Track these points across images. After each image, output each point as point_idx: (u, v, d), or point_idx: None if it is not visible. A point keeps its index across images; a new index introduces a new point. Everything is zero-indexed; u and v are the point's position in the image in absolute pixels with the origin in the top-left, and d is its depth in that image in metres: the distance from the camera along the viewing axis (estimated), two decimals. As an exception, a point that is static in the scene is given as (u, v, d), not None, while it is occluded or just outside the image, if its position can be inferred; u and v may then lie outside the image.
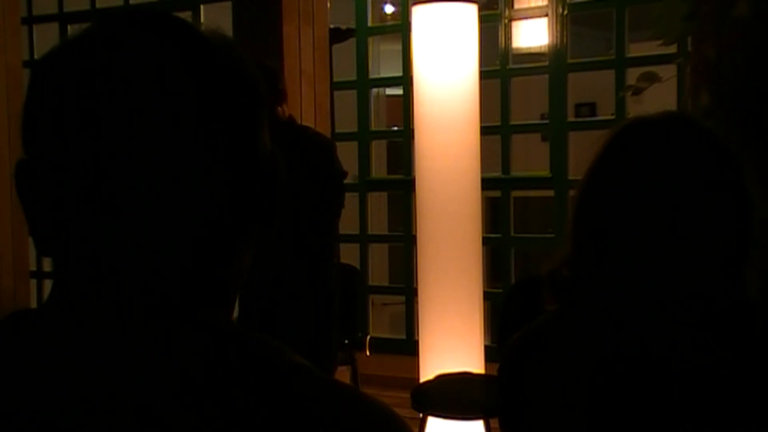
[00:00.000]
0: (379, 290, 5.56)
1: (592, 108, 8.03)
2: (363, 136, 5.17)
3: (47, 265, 5.27)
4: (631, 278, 1.06)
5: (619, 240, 1.06)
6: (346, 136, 5.04)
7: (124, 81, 0.60)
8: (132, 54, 0.61)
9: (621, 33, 4.50)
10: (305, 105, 4.17)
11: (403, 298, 5.13)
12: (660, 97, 2.62)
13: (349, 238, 4.96)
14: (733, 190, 1.05)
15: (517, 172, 4.98)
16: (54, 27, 5.50)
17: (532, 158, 6.33)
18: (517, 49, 5.35)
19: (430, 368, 3.25)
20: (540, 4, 4.83)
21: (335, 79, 4.69)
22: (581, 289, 1.12)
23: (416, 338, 3.79)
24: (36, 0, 5.57)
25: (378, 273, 5.86)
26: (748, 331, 1.09)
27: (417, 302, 3.70)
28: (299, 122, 3.53)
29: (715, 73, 2.03)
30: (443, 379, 2.78)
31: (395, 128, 6.11)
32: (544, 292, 1.18)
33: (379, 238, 5.51)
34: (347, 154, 5.10)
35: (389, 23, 6.57)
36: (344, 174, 3.33)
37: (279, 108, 3.19)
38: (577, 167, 4.63)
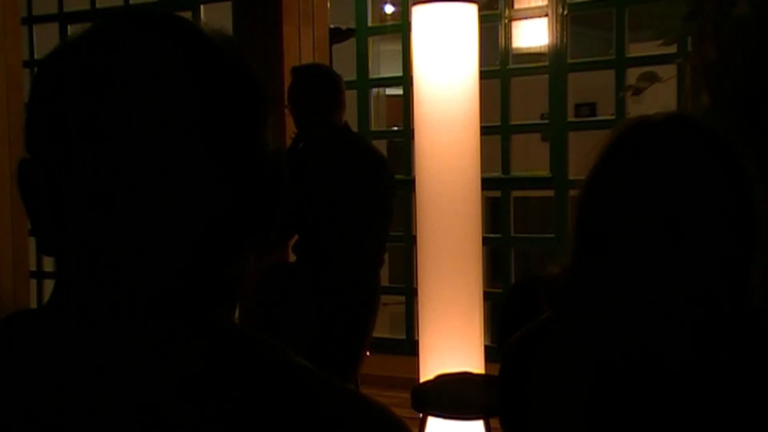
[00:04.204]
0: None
1: (592, 108, 8.03)
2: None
3: (47, 265, 5.27)
4: (632, 279, 1.06)
5: (621, 241, 1.06)
6: (346, 136, 5.04)
7: (125, 81, 0.60)
8: (133, 54, 0.61)
9: (621, 33, 4.50)
10: (305, 105, 4.16)
11: (403, 298, 5.13)
12: (660, 97, 2.62)
13: (349, 238, 4.96)
14: (737, 191, 1.04)
15: (517, 172, 4.98)
16: (54, 27, 5.50)
17: (532, 158, 6.33)
18: (517, 49, 5.35)
19: (430, 368, 3.25)
20: (540, 4, 4.83)
21: (335, 79, 4.68)
22: (581, 289, 1.12)
23: (416, 338, 3.79)
24: (36, 0, 5.57)
25: (378, 273, 5.85)
26: (749, 332, 1.09)
27: (417, 302, 3.70)
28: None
29: (715, 73, 2.03)
30: (443, 379, 2.78)
31: (395, 128, 6.11)
32: (541, 296, 1.18)
33: (379, 238, 5.50)
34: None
35: (389, 23, 6.57)
36: (393, 189, 3.41)
37: (338, 113, 3.27)
38: (577, 167, 4.63)
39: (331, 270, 3.35)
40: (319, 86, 3.33)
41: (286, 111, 3.39)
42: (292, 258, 3.64)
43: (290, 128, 3.48)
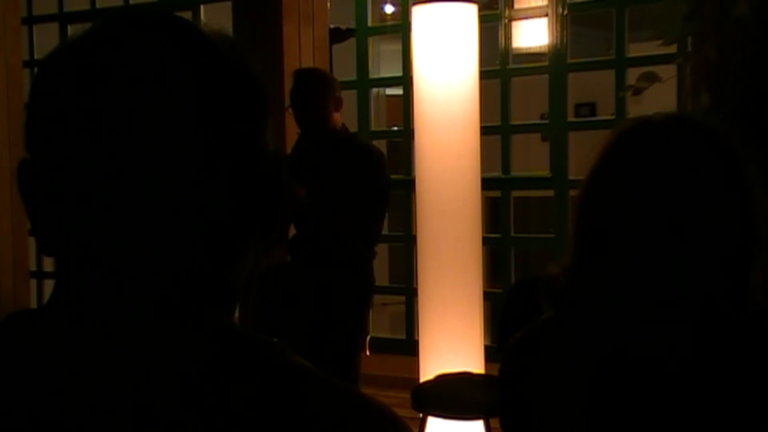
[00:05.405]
0: (379, 290, 5.54)
1: (592, 108, 8.04)
2: (363, 136, 5.17)
3: (47, 265, 5.27)
4: (632, 279, 1.05)
5: (621, 241, 1.06)
6: (346, 136, 5.04)
7: (125, 81, 0.60)
8: (133, 54, 0.61)
9: (621, 33, 4.50)
10: (305, 105, 4.17)
11: (403, 298, 5.13)
12: (660, 97, 2.62)
13: (349, 238, 4.96)
14: (737, 191, 1.04)
15: (517, 172, 4.98)
16: (54, 27, 5.51)
17: (532, 158, 6.33)
18: (517, 49, 5.35)
19: (430, 368, 3.25)
20: (540, 4, 4.83)
21: (335, 79, 4.69)
22: (582, 289, 1.12)
23: (416, 338, 3.79)
24: (36, 0, 5.57)
25: (378, 273, 5.85)
26: (749, 333, 1.09)
27: (417, 302, 3.70)
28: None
29: (715, 73, 2.03)
30: (443, 379, 2.77)
31: (395, 128, 6.11)
32: (542, 296, 1.18)
33: (379, 238, 5.51)
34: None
35: (389, 23, 6.57)
36: (390, 184, 3.57)
37: (336, 114, 3.43)
38: (577, 167, 4.63)
39: (329, 268, 3.44)
40: (321, 89, 3.50)
41: (287, 112, 3.51)
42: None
43: (293, 128, 3.60)
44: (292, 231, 3.67)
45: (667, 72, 2.68)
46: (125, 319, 0.61)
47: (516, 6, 5.01)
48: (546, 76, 4.69)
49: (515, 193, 5.02)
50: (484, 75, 3.68)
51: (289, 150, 3.72)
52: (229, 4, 4.55)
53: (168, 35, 0.63)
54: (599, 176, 1.10)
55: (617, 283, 1.07)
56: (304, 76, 3.58)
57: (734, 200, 1.04)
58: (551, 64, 4.64)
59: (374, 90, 5.43)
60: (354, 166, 3.46)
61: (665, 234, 1.03)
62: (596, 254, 1.09)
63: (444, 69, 3.27)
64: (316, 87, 3.50)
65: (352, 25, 5.12)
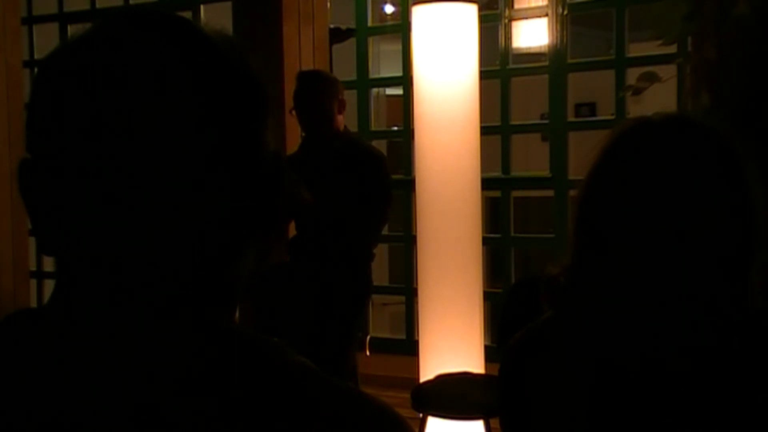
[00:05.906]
0: (379, 290, 5.55)
1: (592, 108, 8.04)
2: (363, 136, 5.17)
3: (47, 265, 5.27)
4: (632, 279, 1.05)
5: (620, 241, 1.06)
6: (346, 136, 5.03)
7: (125, 81, 0.60)
8: (134, 54, 0.61)
9: (621, 33, 4.50)
10: (305, 105, 4.17)
11: (403, 298, 5.13)
12: (660, 97, 2.62)
13: (349, 238, 4.95)
14: (737, 192, 1.04)
15: (517, 172, 4.98)
16: (54, 27, 5.51)
17: (532, 158, 6.33)
18: (517, 49, 5.35)
19: (430, 368, 3.25)
20: (540, 4, 4.83)
21: (335, 79, 4.68)
22: (582, 289, 1.12)
23: (416, 338, 3.80)
24: (36, 0, 5.57)
25: (378, 273, 5.85)
26: (749, 333, 1.09)
27: (417, 302, 3.70)
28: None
29: (715, 73, 2.03)
30: (443, 379, 2.77)
31: (395, 128, 6.11)
32: (542, 296, 1.18)
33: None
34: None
35: (389, 23, 6.57)
36: (391, 188, 3.60)
37: (339, 117, 3.45)
38: (577, 167, 4.63)
39: (329, 268, 3.45)
40: (325, 91, 3.51)
41: (290, 114, 3.51)
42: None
43: (296, 131, 3.60)
44: (293, 231, 3.68)
45: (667, 72, 2.68)
46: (125, 319, 0.61)
47: (516, 6, 5.01)
48: (546, 76, 4.69)
49: (515, 193, 5.02)
50: (484, 75, 3.68)
51: (293, 151, 3.73)
52: (229, 4, 4.55)
53: (168, 35, 0.63)
54: (599, 176, 1.10)
55: (617, 283, 1.07)
56: (307, 78, 3.59)
57: (734, 200, 1.04)
58: (551, 64, 4.63)
59: (374, 90, 5.43)
60: (356, 169, 3.47)
61: (665, 234, 1.03)
62: (596, 254, 1.09)
63: (444, 69, 3.27)
64: (319, 89, 3.50)
65: (352, 25, 5.12)
